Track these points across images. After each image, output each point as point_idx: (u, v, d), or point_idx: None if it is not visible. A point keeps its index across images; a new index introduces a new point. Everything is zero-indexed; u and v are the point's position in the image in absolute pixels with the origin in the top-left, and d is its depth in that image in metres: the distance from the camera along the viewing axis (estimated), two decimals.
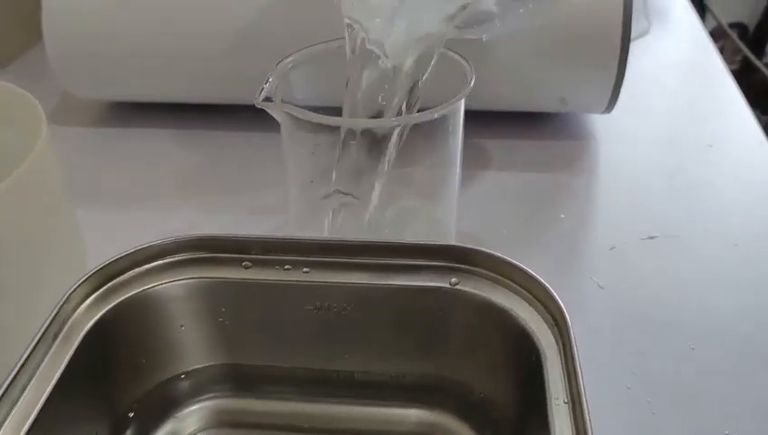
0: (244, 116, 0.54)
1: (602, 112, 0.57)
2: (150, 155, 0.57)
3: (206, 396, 0.35)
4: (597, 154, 0.57)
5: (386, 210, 0.40)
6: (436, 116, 0.35)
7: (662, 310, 0.42)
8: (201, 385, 0.35)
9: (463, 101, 0.37)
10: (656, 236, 0.48)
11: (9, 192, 0.34)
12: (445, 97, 0.37)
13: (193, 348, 0.35)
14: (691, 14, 0.82)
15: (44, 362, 0.29)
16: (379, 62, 0.39)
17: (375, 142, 0.38)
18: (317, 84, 0.39)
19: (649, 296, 0.43)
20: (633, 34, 0.77)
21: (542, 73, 0.54)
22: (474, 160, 0.55)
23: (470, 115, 0.57)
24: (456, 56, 0.39)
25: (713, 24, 1.34)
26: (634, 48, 0.74)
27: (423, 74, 0.40)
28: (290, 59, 0.39)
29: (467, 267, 0.33)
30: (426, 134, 0.37)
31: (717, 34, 1.32)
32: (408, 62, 0.39)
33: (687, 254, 0.46)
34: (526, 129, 0.59)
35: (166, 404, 0.34)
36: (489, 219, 0.49)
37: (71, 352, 0.30)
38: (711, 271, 0.45)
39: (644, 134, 0.59)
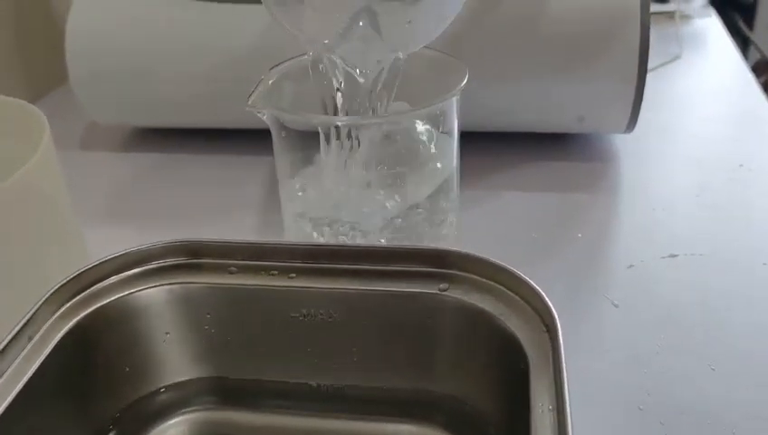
0: (262, 140, 0.53)
1: (623, 132, 0.55)
2: (166, 178, 0.57)
3: (189, 408, 0.34)
4: (620, 175, 0.55)
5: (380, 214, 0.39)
6: (422, 111, 0.34)
7: (681, 330, 0.40)
8: (185, 397, 0.34)
9: (455, 100, 0.36)
10: (677, 255, 0.45)
11: (7, 194, 0.34)
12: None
13: (178, 358, 0.33)
14: (726, 40, 0.80)
15: (14, 365, 0.28)
16: (359, 80, 0.38)
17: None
18: (308, 94, 0.39)
19: (667, 315, 0.41)
20: (665, 58, 0.76)
21: (561, 91, 0.53)
22: (491, 180, 0.54)
23: (490, 136, 0.56)
24: (451, 58, 0.38)
25: (756, 56, 1.30)
26: (665, 72, 0.73)
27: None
28: (283, 66, 0.38)
29: (457, 273, 0.31)
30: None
31: (761, 68, 1.28)
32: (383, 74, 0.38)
33: (711, 273, 0.44)
34: (549, 150, 0.57)
35: (148, 416, 0.33)
36: (502, 238, 0.48)
37: (43, 356, 0.29)
38: (736, 290, 0.42)
39: (671, 155, 0.57)
